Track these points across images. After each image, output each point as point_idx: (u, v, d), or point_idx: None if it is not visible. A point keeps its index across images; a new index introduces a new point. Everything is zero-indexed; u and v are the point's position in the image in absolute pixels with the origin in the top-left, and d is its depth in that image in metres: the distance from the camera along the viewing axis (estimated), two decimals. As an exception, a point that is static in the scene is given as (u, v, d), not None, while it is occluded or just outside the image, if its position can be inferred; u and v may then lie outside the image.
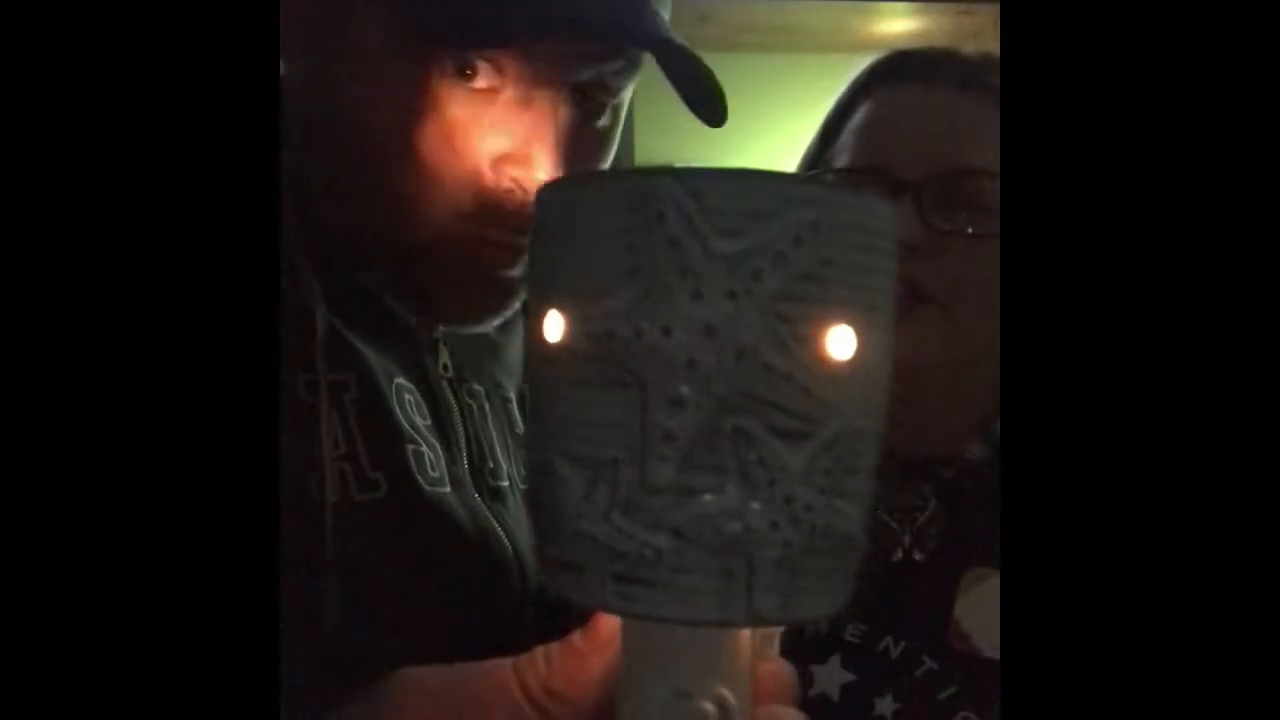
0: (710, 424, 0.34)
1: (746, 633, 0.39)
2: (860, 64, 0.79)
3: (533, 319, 0.37)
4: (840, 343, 0.34)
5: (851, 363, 0.35)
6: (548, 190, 0.37)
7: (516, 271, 0.57)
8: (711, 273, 0.33)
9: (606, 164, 0.59)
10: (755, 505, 0.34)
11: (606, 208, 0.35)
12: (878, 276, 0.36)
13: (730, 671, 0.38)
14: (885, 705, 0.66)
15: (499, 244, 0.55)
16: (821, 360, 0.34)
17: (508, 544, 0.57)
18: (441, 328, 0.59)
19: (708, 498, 0.34)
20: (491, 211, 0.54)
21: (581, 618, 0.42)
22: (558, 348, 0.36)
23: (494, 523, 0.58)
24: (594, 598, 0.36)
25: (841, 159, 0.75)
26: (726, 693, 0.37)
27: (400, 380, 0.57)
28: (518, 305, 0.59)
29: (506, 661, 0.42)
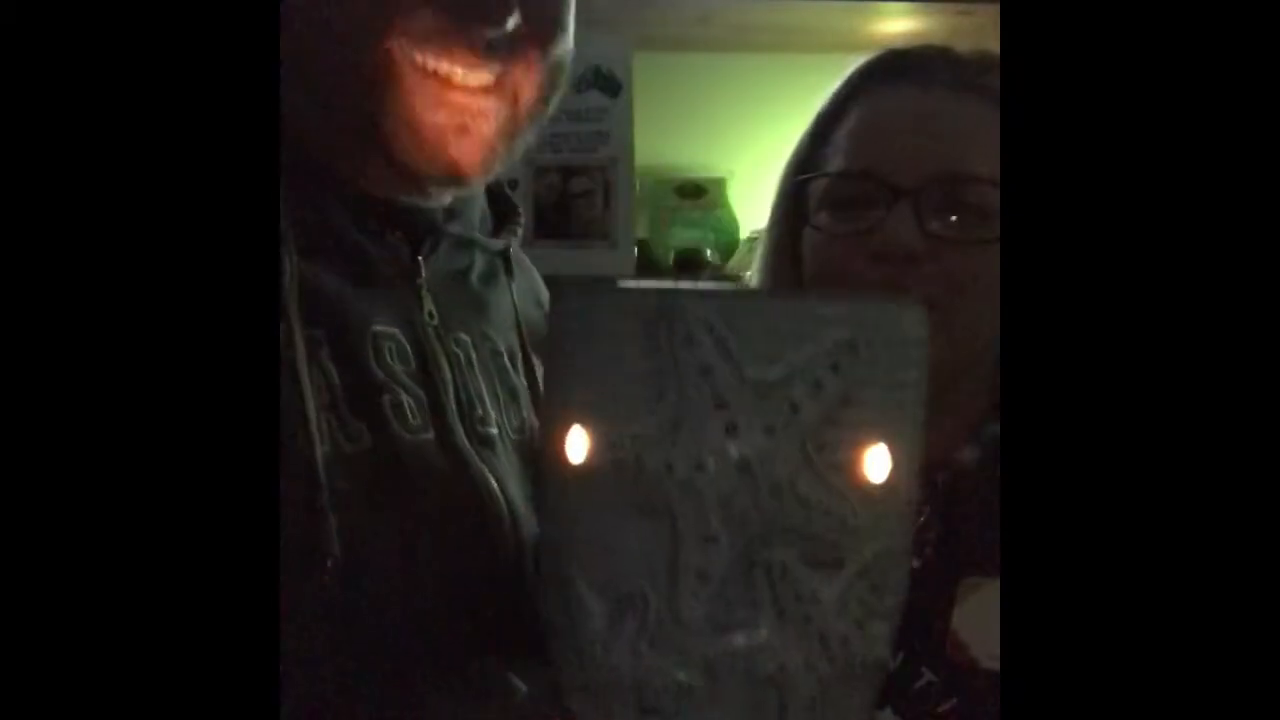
0: (743, 559, 0.32)
1: None
2: (852, 63, 0.78)
3: (553, 430, 0.35)
4: (877, 464, 0.33)
5: (887, 483, 0.33)
6: (563, 295, 0.36)
7: (492, 116, 0.56)
8: (746, 404, 0.32)
9: None
10: (790, 644, 0.33)
11: (628, 324, 0.33)
12: (911, 389, 0.35)
13: None
14: (885, 718, 0.66)
15: (463, 85, 0.54)
16: (857, 485, 0.33)
17: (498, 491, 0.57)
18: (432, 188, 0.59)
19: (740, 635, 0.33)
20: (450, 50, 0.53)
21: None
22: (582, 468, 0.34)
23: (484, 470, 0.57)
24: None
25: (835, 162, 0.75)
26: None
27: (380, 328, 0.57)
28: (513, 154, 0.59)
29: None
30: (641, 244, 1.70)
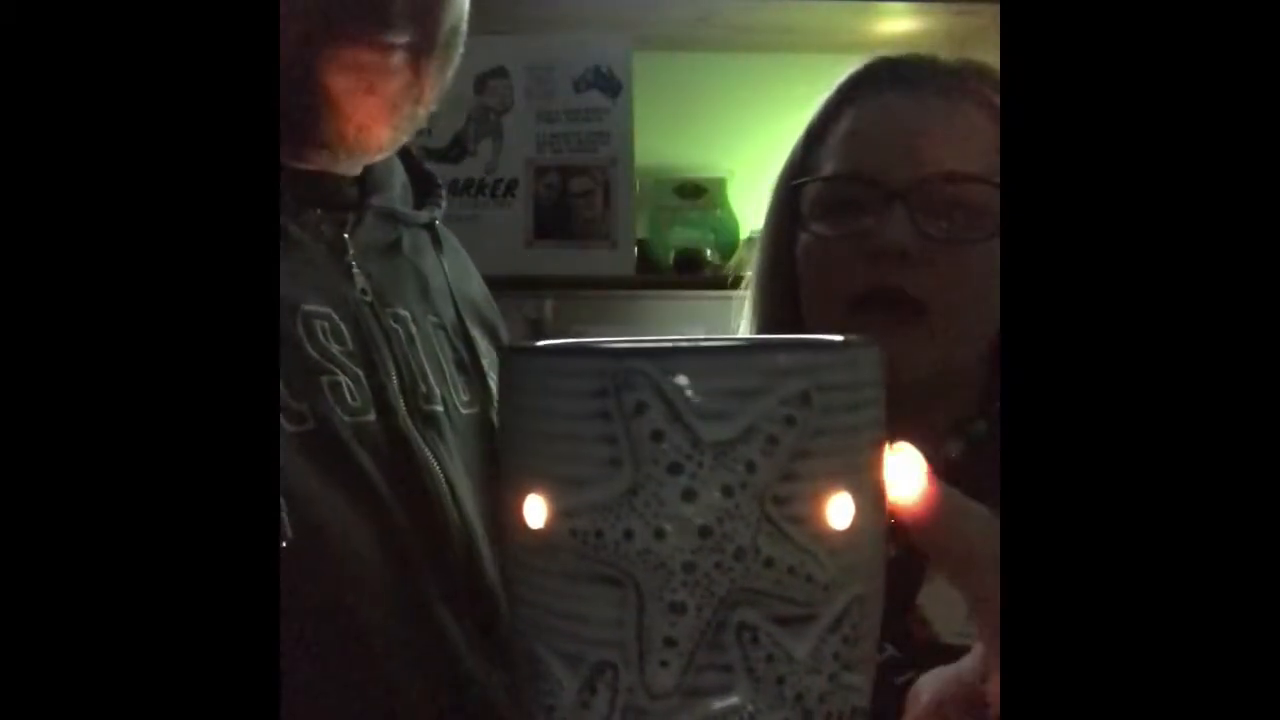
0: (711, 624, 0.32)
1: None
2: (851, 63, 0.79)
3: (509, 497, 0.35)
4: (839, 512, 0.33)
5: (852, 529, 0.33)
6: (513, 356, 0.35)
7: (398, 76, 0.56)
8: (702, 468, 0.31)
9: None
10: (764, 707, 0.32)
11: (578, 389, 0.32)
12: (868, 432, 0.34)
13: None
14: None
15: (368, 42, 0.54)
16: (821, 537, 0.32)
17: (439, 473, 0.57)
18: (344, 156, 0.58)
19: (715, 702, 0.32)
20: (352, 8, 0.54)
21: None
22: (540, 536, 0.33)
23: (426, 453, 0.57)
24: None
25: (827, 166, 0.76)
26: None
27: (310, 307, 0.56)
28: (416, 121, 0.59)
29: None
30: (641, 244, 1.70)
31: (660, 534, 0.31)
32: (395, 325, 0.61)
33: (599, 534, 0.32)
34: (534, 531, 0.34)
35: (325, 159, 0.59)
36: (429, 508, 0.57)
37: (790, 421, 0.31)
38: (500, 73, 1.58)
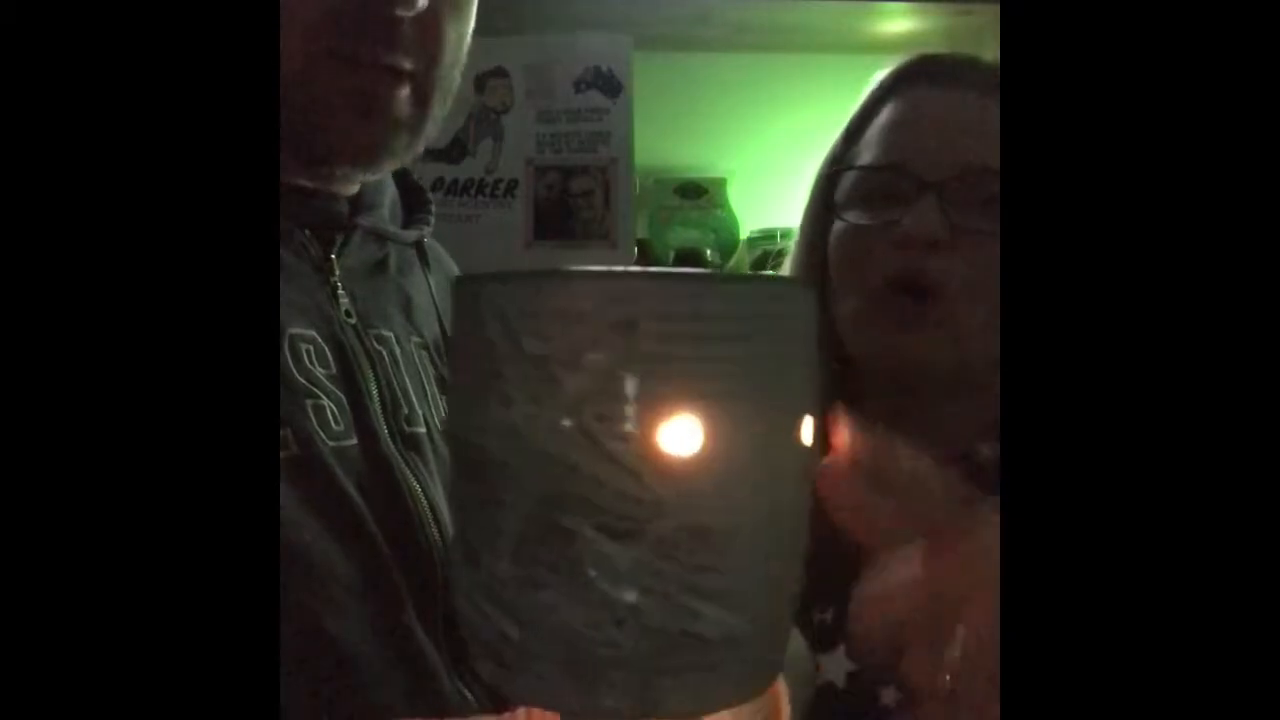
0: (539, 521, 0.34)
1: None
2: (860, 67, 0.80)
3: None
4: (677, 437, 0.33)
5: (699, 456, 0.33)
6: (456, 283, 0.39)
7: (398, 101, 0.56)
8: (517, 377, 0.34)
9: None
10: (580, 605, 0.34)
11: (461, 312, 0.37)
12: (734, 365, 0.34)
13: None
14: (889, 695, 0.67)
15: (371, 64, 0.55)
16: (646, 458, 0.33)
17: (421, 496, 0.57)
18: (340, 175, 0.59)
19: (545, 593, 0.34)
20: (353, 26, 0.54)
21: None
22: (446, 439, 0.39)
23: (409, 475, 0.57)
24: (482, 675, 0.36)
25: (865, 157, 0.76)
26: None
27: (297, 330, 0.56)
28: (413, 149, 0.59)
29: None
30: (641, 244, 1.70)
31: (481, 432, 0.35)
32: (379, 347, 0.61)
33: (452, 434, 0.37)
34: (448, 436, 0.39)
35: (322, 176, 0.60)
36: (410, 530, 0.57)
37: (605, 343, 0.33)
38: (500, 73, 1.58)
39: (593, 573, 0.33)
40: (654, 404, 0.33)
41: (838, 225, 0.77)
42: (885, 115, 0.78)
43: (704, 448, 0.33)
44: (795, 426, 0.36)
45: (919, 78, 0.78)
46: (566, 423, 0.33)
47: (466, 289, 0.37)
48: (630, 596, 0.33)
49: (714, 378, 0.34)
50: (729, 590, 0.34)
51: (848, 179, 0.78)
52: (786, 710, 0.42)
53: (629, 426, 0.33)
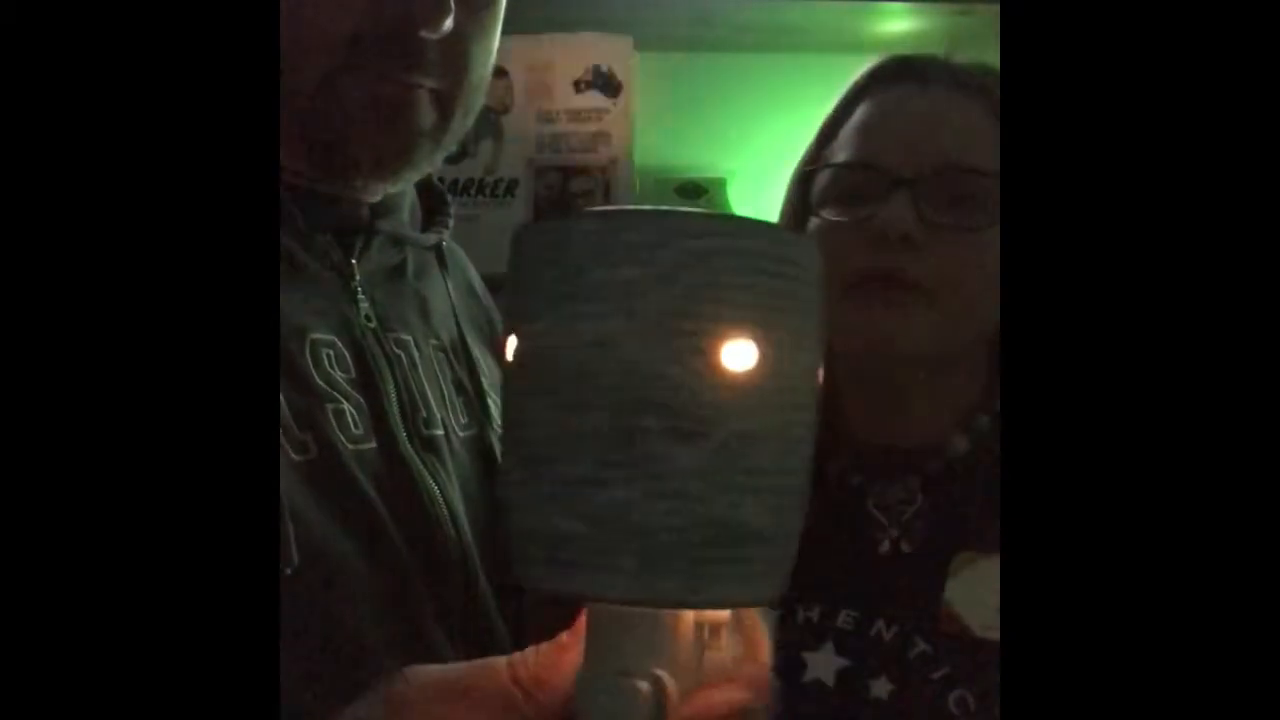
0: (614, 424, 0.38)
1: (688, 622, 0.42)
2: (860, 67, 0.81)
3: (501, 341, 0.42)
4: (737, 355, 0.39)
5: (751, 372, 0.39)
6: (520, 230, 0.43)
7: (421, 114, 0.57)
8: (609, 295, 0.38)
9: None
10: (651, 497, 0.38)
11: (542, 245, 0.41)
12: (790, 302, 0.40)
13: (669, 656, 0.41)
14: (880, 687, 0.68)
15: (393, 80, 0.55)
16: (714, 370, 0.38)
17: (440, 500, 0.58)
18: (362, 184, 0.59)
19: (616, 491, 0.38)
20: (378, 45, 0.55)
21: (568, 615, 0.44)
22: (510, 365, 0.42)
23: (427, 478, 0.58)
24: (533, 580, 0.40)
25: (839, 156, 0.77)
26: (663, 674, 0.40)
27: (318, 335, 0.57)
28: (434, 161, 0.60)
29: (501, 658, 0.44)
30: (641, 244, 1.70)
31: (570, 347, 0.39)
32: (398, 350, 0.62)
33: (534, 352, 0.41)
34: (508, 363, 0.42)
35: (346, 185, 0.60)
36: (428, 532, 0.57)
37: (687, 267, 0.38)
38: (500, 73, 1.58)
39: (662, 469, 0.38)
40: (727, 325, 0.38)
41: (814, 223, 0.79)
42: (858, 115, 0.79)
43: (757, 365, 0.39)
44: (820, 358, 0.42)
45: (890, 77, 0.80)
46: (657, 334, 0.38)
47: (548, 228, 0.42)
48: (697, 489, 0.38)
49: (779, 313, 0.40)
50: (770, 488, 0.40)
51: (823, 177, 0.79)
52: (766, 644, 0.46)
53: (704, 341, 0.38)
